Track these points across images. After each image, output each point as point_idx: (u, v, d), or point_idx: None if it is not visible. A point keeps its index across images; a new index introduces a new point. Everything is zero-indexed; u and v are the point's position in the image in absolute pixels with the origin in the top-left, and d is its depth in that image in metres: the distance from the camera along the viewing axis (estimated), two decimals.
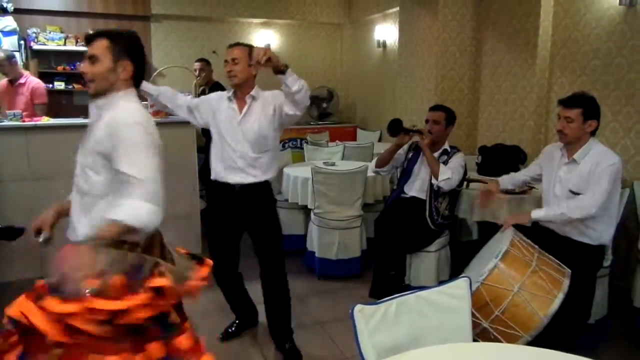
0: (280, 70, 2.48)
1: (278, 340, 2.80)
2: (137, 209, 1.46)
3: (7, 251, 3.58)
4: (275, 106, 2.60)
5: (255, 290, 3.68)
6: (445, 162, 3.33)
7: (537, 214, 2.67)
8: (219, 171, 2.66)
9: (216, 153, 2.67)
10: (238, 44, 2.64)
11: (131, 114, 1.61)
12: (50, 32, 6.02)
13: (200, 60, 5.04)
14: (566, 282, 2.18)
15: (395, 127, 3.33)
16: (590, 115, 2.56)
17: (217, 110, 2.65)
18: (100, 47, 1.65)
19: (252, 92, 2.60)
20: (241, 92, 2.60)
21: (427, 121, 3.41)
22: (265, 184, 2.68)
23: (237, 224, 2.75)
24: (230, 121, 2.59)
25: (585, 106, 2.55)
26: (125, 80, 1.69)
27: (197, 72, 4.88)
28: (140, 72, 1.73)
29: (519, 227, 2.59)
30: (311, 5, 7.30)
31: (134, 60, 1.70)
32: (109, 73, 1.65)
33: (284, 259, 2.78)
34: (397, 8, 5.72)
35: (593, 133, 2.62)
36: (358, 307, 1.45)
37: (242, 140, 2.55)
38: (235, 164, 2.59)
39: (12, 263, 3.68)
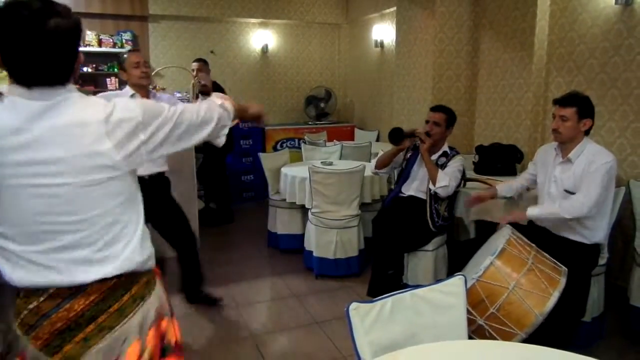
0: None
1: (196, 291, 3.30)
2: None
3: None
4: None
5: (254, 290, 3.70)
6: (444, 164, 3.34)
7: (532, 212, 2.69)
8: None
9: None
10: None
11: None
12: None
13: (198, 60, 5.05)
14: (562, 281, 2.18)
15: (397, 136, 3.33)
16: (585, 114, 2.58)
17: None
18: None
19: (152, 92, 3.15)
20: (145, 91, 3.02)
21: (427, 121, 3.41)
22: (165, 173, 3.14)
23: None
24: None
25: (579, 105, 2.57)
26: None
27: (195, 72, 4.89)
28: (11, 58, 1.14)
29: (515, 226, 2.60)
30: (309, 5, 7.31)
31: None
32: None
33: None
34: (395, 8, 5.73)
35: (587, 132, 2.64)
36: (353, 305, 1.46)
37: None
38: None
39: None
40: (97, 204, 1.21)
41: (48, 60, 1.14)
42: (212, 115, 1.43)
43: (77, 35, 1.20)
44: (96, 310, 1.21)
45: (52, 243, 1.18)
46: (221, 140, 1.51)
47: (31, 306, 1.18)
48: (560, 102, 2.62)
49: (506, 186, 3.11)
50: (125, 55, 3.04)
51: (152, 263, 1.36)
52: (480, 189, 3.50)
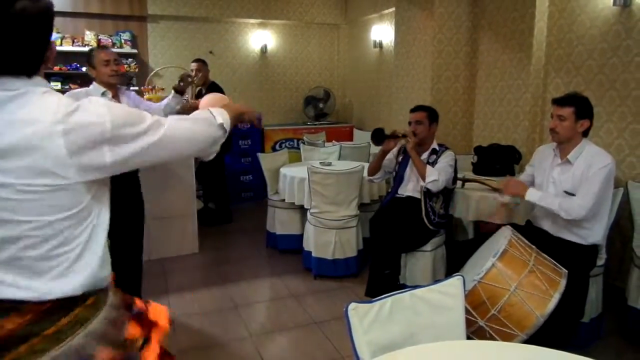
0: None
1: None
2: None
3: None
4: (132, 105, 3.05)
5: (253, 290, 3.70)
6: (435, 162, 3.36)
7: (533, 195, 2.66)
8: None
9: None
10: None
11: None
12: None
13: (197, 60, 5.05)
14: (563, 282, 2.18)
15: (378, 137, 3.39)
16: (583, 114, 2.58)
17: None
18: None
19: (121, 89, 3.13)
20: (114, 90, 3.00)
21: (410, 123, 3.44)
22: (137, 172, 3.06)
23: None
24: None
25: (577, 105, 2.58)
26: None
27: (194, 72, 4.89)
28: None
29: (514, 227, 2.60)
30: (308, 6, 7.32)
31: None
32: None
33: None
34: (393, 8, 5.74)
35: (585, 134, 2.64)
36: (352, 306, 1.46)
37: None
38: None
39: None
40: (35, 213, 1.07)
41: (12, 46, 1.03)
42: (208, 134, 1.34)
43: (47, 21, 1.08)
44: (29, 331, 1.06)
45: None
46: (211, 157, 1.41)
47: None
48: (559, 101, 2.63)
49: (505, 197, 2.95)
50: (93, 53, 2.99)
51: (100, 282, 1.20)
52: (478, 190, 3.51)
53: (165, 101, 3.53)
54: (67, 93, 2.98)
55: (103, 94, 2.90)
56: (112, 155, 1.10)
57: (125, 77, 6.27)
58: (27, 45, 1.06)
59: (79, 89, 3.07)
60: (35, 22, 1.05)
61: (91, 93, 2.86)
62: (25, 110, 1.04)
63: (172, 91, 3.53)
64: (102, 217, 1.19)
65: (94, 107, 1.10)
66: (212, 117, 1.37)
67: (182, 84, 3.61)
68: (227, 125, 1.39)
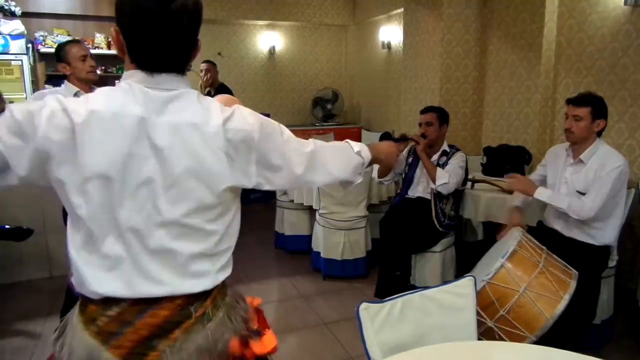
0: None
1: None
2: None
3: (16, 252, 3.62)
4: None
5: (262, 291, 3.70)
6: (445, 163, 3.34)
7: (541, 194, 2.64)
8: None
9: None
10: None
11: None
12: (57, 35, 6.07)
13: (206, 61, 5.07)
14: (573, 284, 2.17)
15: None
16: (599, 114, 2.56)
17: None
18: None
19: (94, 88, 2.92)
20: (89, 88, 2.70)
21: (420, 125, 3.42)
22: None
23: None
24: None
25: (594, 105, 2.56)
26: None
27: (203, 73, 4.91)
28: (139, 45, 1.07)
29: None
30: (316, 7, 7.33)
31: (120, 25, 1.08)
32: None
33: None
34: (402, 9, 5.73)
35: (599, 133, 2.62)
36: (363, 306, 1.46)
37: None
38: None
39: (21, 264, 3.72)
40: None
41: (171, 43, 1.07)
42: (349, 160, 1.37)
43: (200, 18, 1.10)
44: (180, 317, 1.10)
45: None
46: (352, 185, 1.42)
47: (111, 313, 1.07)
48: (574, 101, 2.60)
49: (521, 200, 2.88)
50: (66, 47, 2.66)
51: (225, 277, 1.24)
52: (488, 190, 3.50)
53: None
54: (35, 93, 2.79)
55: (76, 94, 2.57)
56: (258, 163, 1.15)
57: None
58: (184, 42, 1.09)
59: (46, 89, 2.73)
60: (191, 18, 1.08)
61: (62, 93, 2.53)
62: (188, 113, 1.08)
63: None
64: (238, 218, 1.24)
65: (242, 112, 1.14)
66: (348, 145, 1.40)
67: None
68: (365, 156, 1.41)
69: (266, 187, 1.19)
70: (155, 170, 1.04)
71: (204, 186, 1.08)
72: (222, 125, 1.09)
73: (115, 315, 1.07)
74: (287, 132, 1.23)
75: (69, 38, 6.09)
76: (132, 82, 1.07)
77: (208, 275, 1.14)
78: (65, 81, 2.67)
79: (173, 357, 1.08)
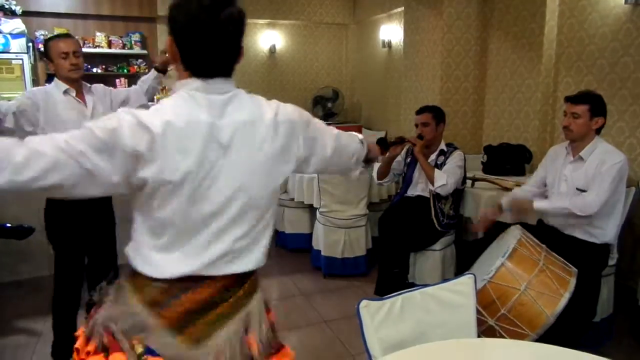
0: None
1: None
2: None
3: (17, 250, 3.62)
4: (111, 99, 2.70)
5: (264, 289, 3.71)
6: (443, 163, 3.33)
7: (540, 205, 2.65)
8: None
9: None
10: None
11: None
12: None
13: None
14: (573, 282, 2.18)
15: (382, 146, 3.33)
16: (597, 112, 2.57)
17: (50, 104, 2.41)
18: None
19: (86, 85, 2.60)
20: (77, 85, 2.53)
21: (416, 125, 3.41)
22: None
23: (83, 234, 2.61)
24: (76, 117, 2.42)
25: (592, 103, 2.56)
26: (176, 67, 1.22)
27: None
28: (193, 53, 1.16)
29: (524, 226, 2.59)
30: (316, 6, 7.33)
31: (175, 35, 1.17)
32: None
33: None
34: (402, 8, 5.73)
35: (599, 131, 2.62)
36: (364, 303, 1.47)
37: None
38: None
39: (22, 262, 3.73)
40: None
41: (222, 49, 1.16)
42: (355, 147, 1.50)
43: (243, 27, 1.21)
44: (221, 298, 1.21)
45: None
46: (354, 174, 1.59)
47: (161, 285, 1.17)
48: (572, 99, 2.61)
49: (511, 197, 2.92)
50: (50, 43, 2.47)
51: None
52: (488, 189, 3.50)
53: (145, 84, 2.90)
54: (25, 91, 2.65)
55: (65, 92, 2.46)
56: (303, 149, 1.29)
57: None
58: (232, 48, 1.19)
59: (37, 88, 2.63)
60: (238, 26, 1.18)
61: (51, 91, 2.46)
62: (244, 111, 1.19)
63: (153, 70, 2.93)
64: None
65: (284, 105, 1.28)
66: (352, 134, 1.53)
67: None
68: (364, 141, 1.54)
69: (304, 172, 1.37)
70: (223, 166, 1.15)
71: (262, 176, 1.21)
72: (274, 117, 1.22)
73: (164, 288, 1.16)
74: (314, 118, 1.37)
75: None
76: (189, 90, 1.15)
77: (251, 259, 1.25)
78: (55, 78, 2.52)
79: (213, 331, 1.17)
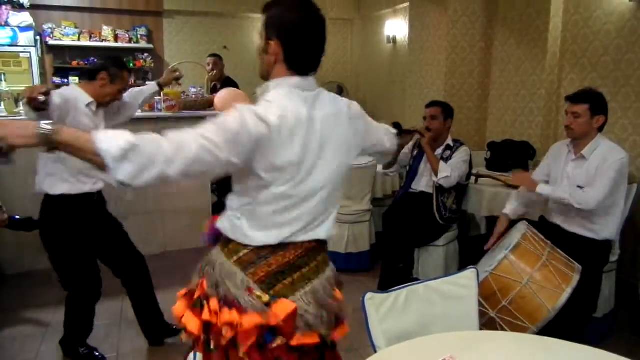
0: None
1: (162, 329, 2.81)
2: None
3: (26, 242, 3.67)
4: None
5: None
6: (449, 157, 3.37)
7: (543, 189, 2.66)
8: (74, 182, 2.47)
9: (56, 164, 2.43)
10: None
11: None
12: (65, 28, 6.11)
13: (213, 55, 5.10)
14: (576, 278, 2.20)
15: (397, 130, 3.37)
16: (598, 110, 2.58)
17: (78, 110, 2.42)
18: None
19: None
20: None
21: (424, 118, 3.45)
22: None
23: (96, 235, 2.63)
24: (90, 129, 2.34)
25: (592, 102, 2.58)
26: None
27: (210, 66, 4.94)
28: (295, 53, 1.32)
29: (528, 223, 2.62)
30: (321, 1, 7.22)
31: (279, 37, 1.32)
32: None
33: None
34: (407, 4, 5.74)
35: (601, 129, 2.64)
36: (369, 295, 1.51)
37: None
38: (89, 170, 2.41)
39: (31, 254, 3.77)
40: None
41: (323, 47, 1.36)
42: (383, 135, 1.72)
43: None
44: (302, 263, 1.38)
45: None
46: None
47: (251, 247, 1.35)
48: (573, 98, 2.63)
49: (515, 205, 2.86)
50: (124, 71, 2.52)
51: None
52: (491, 185, 3.52)
53: (142, 96, 2.90)
54: (62, 89, 2.46)
55: (88, 105, 2.45)
56: (365, 134, 1.53)
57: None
58: (324, 46, 1.37)
59: (69, 91, 2.45)
60: (325, 27, 1.36)
61: (79, 98, 2.43)
62: (329, 104, 1.37)
63: (155, 84, 2.98)
64: None
65: (350, 101, 1.50)
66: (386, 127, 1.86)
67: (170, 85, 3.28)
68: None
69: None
70: (318, 151, 1.32)
71: (343, 160, 1.41)
72: (348, 111, 1.43)
73: (253, 249, 1.34)
74: None
75: (76, 31, 6.13)
76: (289, 87, 1.31)
77: (325, 228, 1.43)
78: (80, 88, 2.47)
79: (296, 290, 1.35)
